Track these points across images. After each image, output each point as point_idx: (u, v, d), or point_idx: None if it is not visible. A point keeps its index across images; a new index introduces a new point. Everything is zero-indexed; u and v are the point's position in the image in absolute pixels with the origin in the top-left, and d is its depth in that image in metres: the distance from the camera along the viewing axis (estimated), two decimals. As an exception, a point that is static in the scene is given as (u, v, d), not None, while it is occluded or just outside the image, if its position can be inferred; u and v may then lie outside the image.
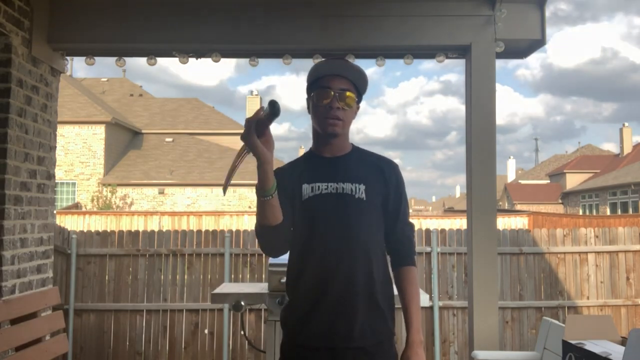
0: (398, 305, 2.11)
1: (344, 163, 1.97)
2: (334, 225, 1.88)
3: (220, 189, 22.57)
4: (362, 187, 1.92)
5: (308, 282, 1.89)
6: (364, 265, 1.87)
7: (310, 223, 1.90)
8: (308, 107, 2.00)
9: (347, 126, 1.95)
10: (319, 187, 1.92)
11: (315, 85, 1.95)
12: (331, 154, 1.98)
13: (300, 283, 1.91)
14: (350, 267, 1.86)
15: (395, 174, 2.01)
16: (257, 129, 1.76)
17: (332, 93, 1.90)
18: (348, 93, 1.91)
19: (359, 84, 1.97)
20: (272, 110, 1.71)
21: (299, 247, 1.93)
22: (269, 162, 1.74)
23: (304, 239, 1.90)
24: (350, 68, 1.96)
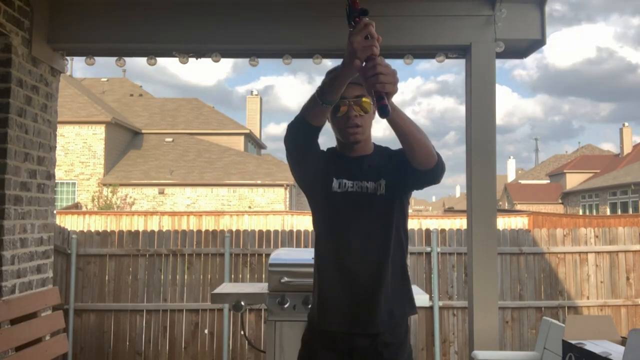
0: None
1: (368, 162, 2.03)
2: (357, 222, 1.97)
3: (220, 189, 22.58)
4: (383, 182, 1.98)
5: (330, 282, 2.01)
6: (381, 260, 1.95)
7: (335, 218, 2.01)
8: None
9: (367, 130, 2.01)
10: (345, 183, 2.01)
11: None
12: (355, 154, 2.05)
13: (325, 281, 2.03)
14: (369, 262, 1.95)
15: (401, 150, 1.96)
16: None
17: (348, 102, 1.94)
18: (363, 99, 1.95)
19: None
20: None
21: (324, 238, 2.05)
22: (352, 73, 1.68)
23: (329, 231, 2.02)
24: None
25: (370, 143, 2.06)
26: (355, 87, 1.94)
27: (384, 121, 1.66)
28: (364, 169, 2.01)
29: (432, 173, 1.88)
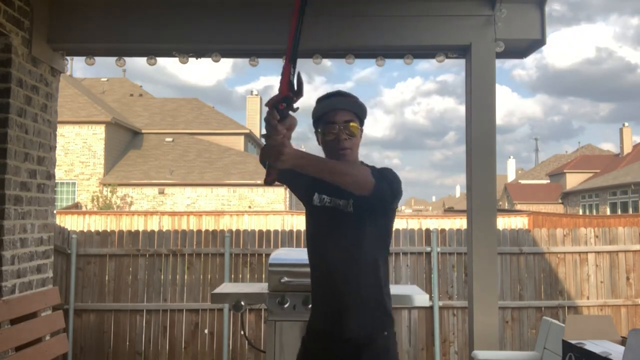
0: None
1: None
2: (330, 235, 2.14)
3: (220, 189, 22.58)
4: (351, 201, 2.09)
5: (315, 284, 2.21)
6: (354, 271, 2.09)
7: (315, 230, 2.22)
8: (317, 140, 2.21)
9: (355, 152, 2.16)
10: (324, 198, 2.18)
11: (321, 121, 2.16)
12: None
13: (312, 281, 2.22)
14: (343, 273, 2.09)
15: (379, 171, 2.08)
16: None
17: (338, 127, 2.10)
18: (352, 124, 2.11)
19: (360, 113, 2.17)
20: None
21: (309, 244, 2.24)
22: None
23: (311, 242, 2.23)
24: (350, 100, 2.17)
25: (355, 163, 2.17)
26: (345, 113, 2.12)
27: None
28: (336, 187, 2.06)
29: (373, 197, 1.98)
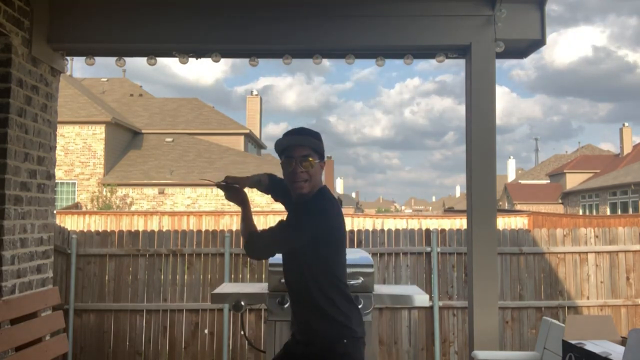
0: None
1: (296, 207, 2.48)
2: (287, 255, 2.48)
3: (220, 189, 22.53)
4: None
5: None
6: (303, 289, 2.39)
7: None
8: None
9: (313, 182, 2.42)
10: None
11: (283, 155, 2.44)
12: (296, 199, 2.52)
13: None
14: (296, 289, 2.44)
15: (301, 206, 2.41)
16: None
17: (295, 161, 2.39)
18: (310, 158, 2.39)
19: (317, 148, 2.44)
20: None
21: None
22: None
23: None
24: (307, 138, 2.43)
25: (313, 191, 2.42)
26: (302, 148, 2.39)
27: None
28: (291, 211, 2.48)
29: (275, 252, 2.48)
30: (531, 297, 5.78)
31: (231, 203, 2.66)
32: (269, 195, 2.78)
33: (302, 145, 2.40)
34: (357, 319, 2.40)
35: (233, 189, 2.54)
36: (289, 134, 2.48)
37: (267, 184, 2.75)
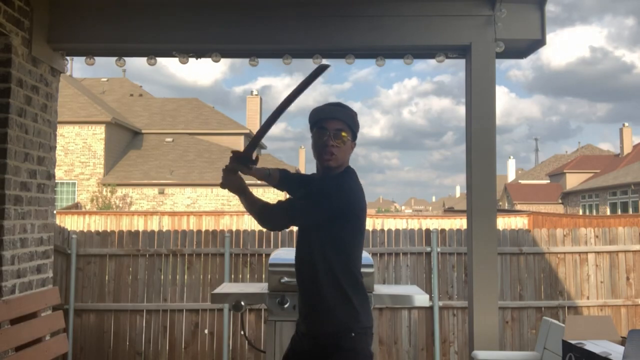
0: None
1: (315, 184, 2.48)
2: (298, 244, 2.43)
3: (220, 189, 22.54)
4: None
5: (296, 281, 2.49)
6: (312, 277, 2.31)
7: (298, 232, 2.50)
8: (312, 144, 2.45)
9: (340, 158, 2.36)
10: None
11: (316, 126, 2.38)
12: (320, 174, 2.47)
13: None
14: (305, 272, 2.36)
15: (324, 180, 2.37)
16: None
17: (328, 133, 2.32)
18: (343, 133, 2.33)
19: (352, 125, 2.38)
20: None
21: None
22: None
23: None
24: (345, 112, 2.38)
25: (340, 168, 2.38)
26: (337, 122, 2.34)
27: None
28: (314, 185, 2.46)
29: (292, 224, 2.40)
30: (531, 297, 5.78)
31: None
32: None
33: (337, 119, 2.34)
34: (366, 309, 2.31)
35: (239, 167, 2.35)
36: (326, 106, 2.43)
37: (278, 179, 2.70)
